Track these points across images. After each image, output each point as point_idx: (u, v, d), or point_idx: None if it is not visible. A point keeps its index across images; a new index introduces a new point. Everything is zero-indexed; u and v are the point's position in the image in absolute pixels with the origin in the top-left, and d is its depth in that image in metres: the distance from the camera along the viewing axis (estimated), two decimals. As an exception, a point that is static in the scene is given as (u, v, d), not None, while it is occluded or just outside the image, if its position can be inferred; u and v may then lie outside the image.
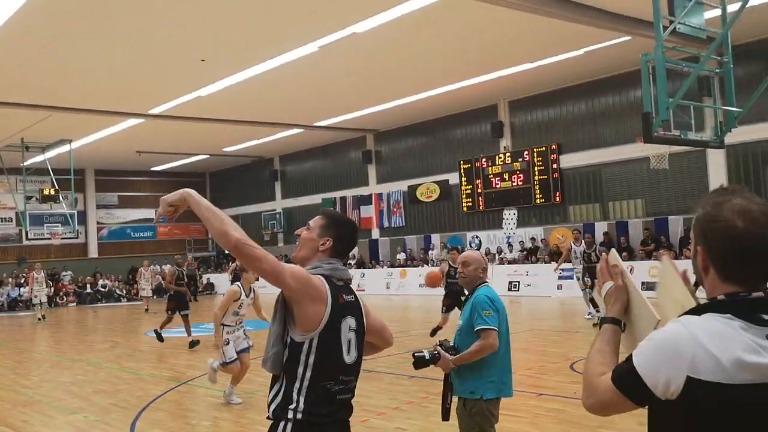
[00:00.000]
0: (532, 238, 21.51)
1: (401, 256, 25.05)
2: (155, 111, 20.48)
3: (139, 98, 19.02)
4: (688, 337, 1.51)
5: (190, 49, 14.87)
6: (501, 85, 20.01)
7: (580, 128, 20.69)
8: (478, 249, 23.23)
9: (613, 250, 2.03)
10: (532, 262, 20.76)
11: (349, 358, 2.64)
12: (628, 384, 1.59)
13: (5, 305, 27.12)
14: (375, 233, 26.86)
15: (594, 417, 6.43)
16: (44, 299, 21.46)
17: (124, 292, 30.05)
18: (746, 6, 8.13)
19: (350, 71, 17.49)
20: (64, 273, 29.64)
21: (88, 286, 29.70)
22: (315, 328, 2.54)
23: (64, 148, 24.23)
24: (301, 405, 2.52)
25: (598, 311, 14.16)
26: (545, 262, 20.41)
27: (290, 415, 2.52)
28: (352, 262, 26.66)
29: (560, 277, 19.44)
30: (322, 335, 2.55)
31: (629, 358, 1.61)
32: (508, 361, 4.08)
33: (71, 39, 13.84)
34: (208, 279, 32.35)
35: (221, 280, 31.83)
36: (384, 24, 13.74)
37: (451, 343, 4.08)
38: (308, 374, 2.54)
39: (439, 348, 3.99)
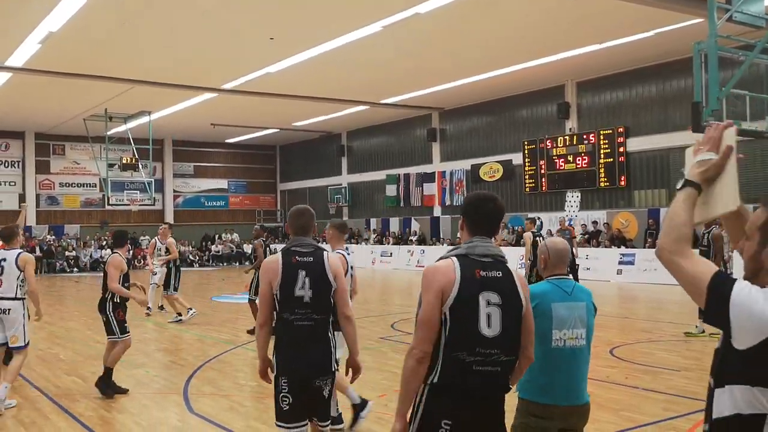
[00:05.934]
0: (594, 222, 21.28)
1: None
2: (228, 86, 21.29)
3: (213, 74, 19.82)
4: None
5: (259, 27, 15.43)
6: (568, 66, 19.75)
7: (649, 111, 20.21)
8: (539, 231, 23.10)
9: (734, 127, 2.07)
10: (593, 246, 20.57)
11: (490, 331, 2.77)
12: (715, 308, 1.76)
13: (88, 265, 29.03)
14: (437, 210, 27.11)
15: (620, 400, 6.67)
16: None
17: (197, 257, 31.56)
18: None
19: (414, 50, 17.67)
20: (142, 238, 31.30)
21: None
22: (444, 303, 2.78)
23: (144, 119, 25.52)
24: (438, 372, 2.77)
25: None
26: (606, 246, 20.22)
27: (428, 380, 2.79)
28: (414, 238, 27.05)
29: (620, 262, 19.29)
30: (454, 309, 2.77)
31: (730, 287, 1.74)
32: (551, 363, 3.50)
33: (150, 16, 14.60)
34: (275, 249, 33.45)
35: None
36: (446, 5, 13.86)
37: None
38: (443, 344, 2.77)
39: None
